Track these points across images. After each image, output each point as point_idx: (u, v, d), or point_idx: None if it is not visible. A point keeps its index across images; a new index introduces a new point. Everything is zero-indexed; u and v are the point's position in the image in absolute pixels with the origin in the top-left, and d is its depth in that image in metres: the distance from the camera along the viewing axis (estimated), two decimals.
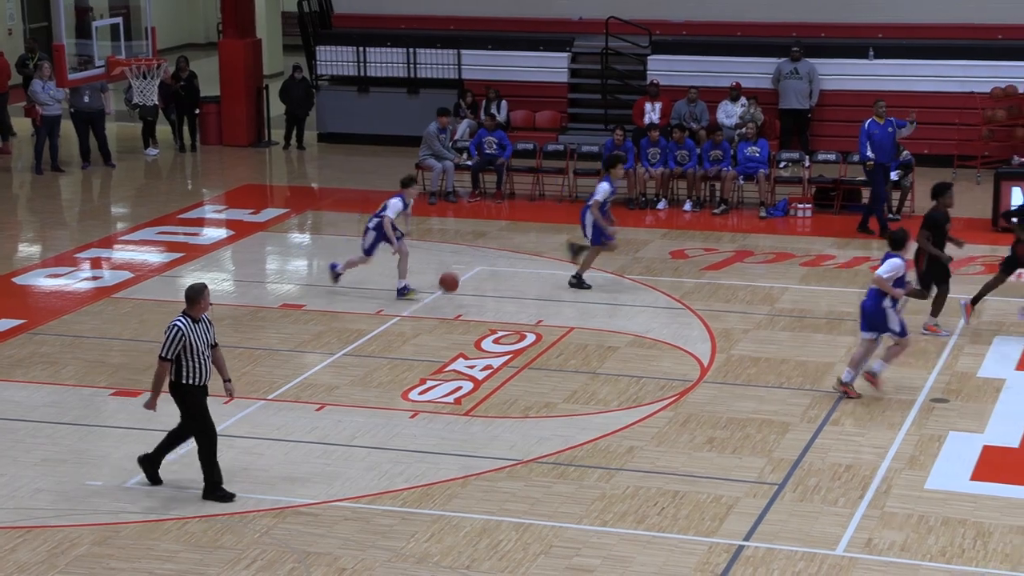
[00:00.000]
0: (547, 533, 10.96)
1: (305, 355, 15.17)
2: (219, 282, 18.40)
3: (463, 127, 23.91)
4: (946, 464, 12.14)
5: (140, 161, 25.85)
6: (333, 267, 17.31)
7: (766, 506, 11.37)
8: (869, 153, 19.79)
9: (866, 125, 19.91)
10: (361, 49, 26.39)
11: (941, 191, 15.66)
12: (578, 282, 17.26)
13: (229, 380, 11.83)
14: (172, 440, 11.80)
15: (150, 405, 11.65)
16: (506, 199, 22.33)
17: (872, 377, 13.73)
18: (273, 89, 26.96)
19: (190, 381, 11.43)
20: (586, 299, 17.02)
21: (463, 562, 10.55)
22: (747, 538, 10.83)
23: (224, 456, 11.80)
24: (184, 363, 11.40)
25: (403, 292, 16.90)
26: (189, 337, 11.34)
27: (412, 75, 26.19)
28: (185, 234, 20.52)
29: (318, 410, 13.60)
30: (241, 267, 19.30)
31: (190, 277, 18.44)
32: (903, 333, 13.64)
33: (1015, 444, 12.62)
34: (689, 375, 14.40)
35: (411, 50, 26.12)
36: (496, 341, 15.48)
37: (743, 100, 23.52)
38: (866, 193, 21.18)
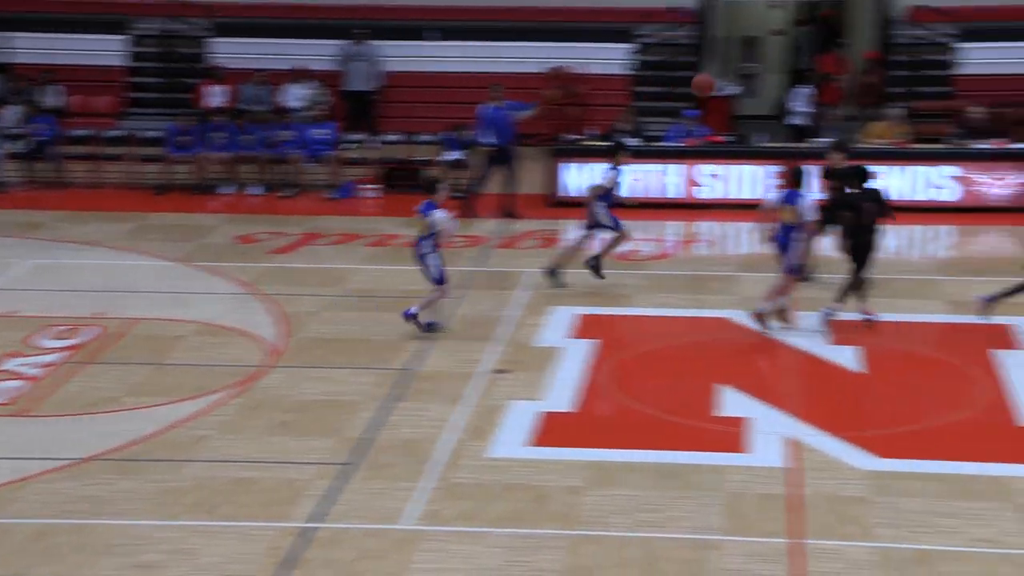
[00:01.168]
0: (110, 532, 10.59)
1: None
2: None
3: (12, 113, 22.77)
4: (507, 433, 12.56)
5: None
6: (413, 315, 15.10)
7: (336, 487, 11.42)
8: (492, 138, 20.22)
9: (486, 109, 20.39)
10: None
11: None
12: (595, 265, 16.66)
13: None
14: None
15: None
16: (62, 187, 21.46)
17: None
18: None
19: None
20: (151, 289, 16.59)
21: (15, 570, 10.03)
22: (317, 520, 10.85)
23: None
24: None
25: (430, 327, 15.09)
26: None
27: None
28: None
29: None
30: None
31: None
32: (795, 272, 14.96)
33: (570, 409, 13.22)
34: (259, 361, 14.27)
35: None
36: (55, 336, 14.84)
37: (310, 82, 23.54)
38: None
